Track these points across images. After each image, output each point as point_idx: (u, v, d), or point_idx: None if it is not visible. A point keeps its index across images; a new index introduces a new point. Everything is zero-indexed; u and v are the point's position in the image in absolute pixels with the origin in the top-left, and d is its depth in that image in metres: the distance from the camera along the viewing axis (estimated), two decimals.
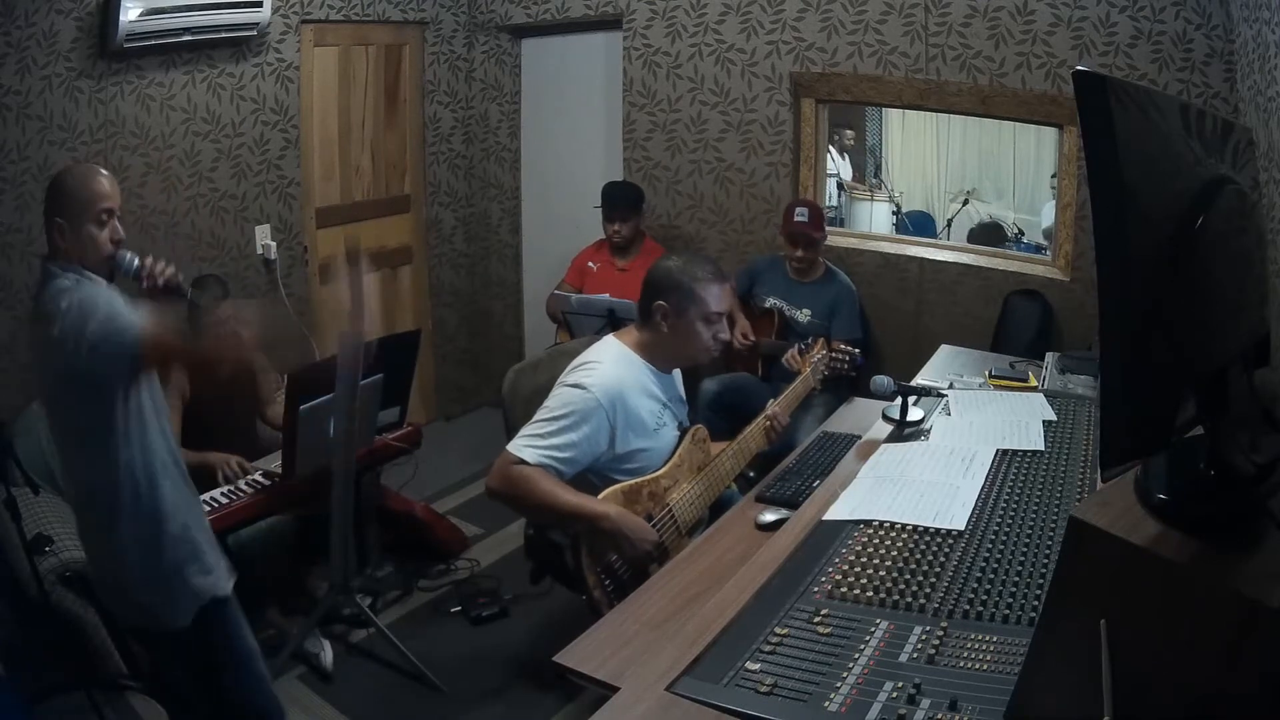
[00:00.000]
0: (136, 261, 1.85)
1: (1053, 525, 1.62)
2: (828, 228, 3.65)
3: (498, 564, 3.36)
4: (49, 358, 1.72)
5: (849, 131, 3.96)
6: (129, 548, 1.78)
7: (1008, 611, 1.35)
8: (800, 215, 3.49)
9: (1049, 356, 2.69)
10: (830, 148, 3.98)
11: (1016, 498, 1.75)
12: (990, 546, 1.55)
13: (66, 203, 1.75)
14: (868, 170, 3.99)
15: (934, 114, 3.67)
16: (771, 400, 2.37)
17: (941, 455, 1.98)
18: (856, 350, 2.55)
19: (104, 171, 1.84)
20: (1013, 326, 3.41)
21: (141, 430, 1.77)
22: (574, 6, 4.27)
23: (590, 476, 2.07)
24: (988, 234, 3.75)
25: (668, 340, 2.16)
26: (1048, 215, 3.59)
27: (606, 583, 1.97)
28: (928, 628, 1.33)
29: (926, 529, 1.63)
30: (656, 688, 1.25)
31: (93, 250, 1.77)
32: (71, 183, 1.79)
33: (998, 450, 1.97)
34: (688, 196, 4.15)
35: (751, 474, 2.38)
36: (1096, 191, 0.82)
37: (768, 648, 1.31)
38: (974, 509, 1.69)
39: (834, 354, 2.54)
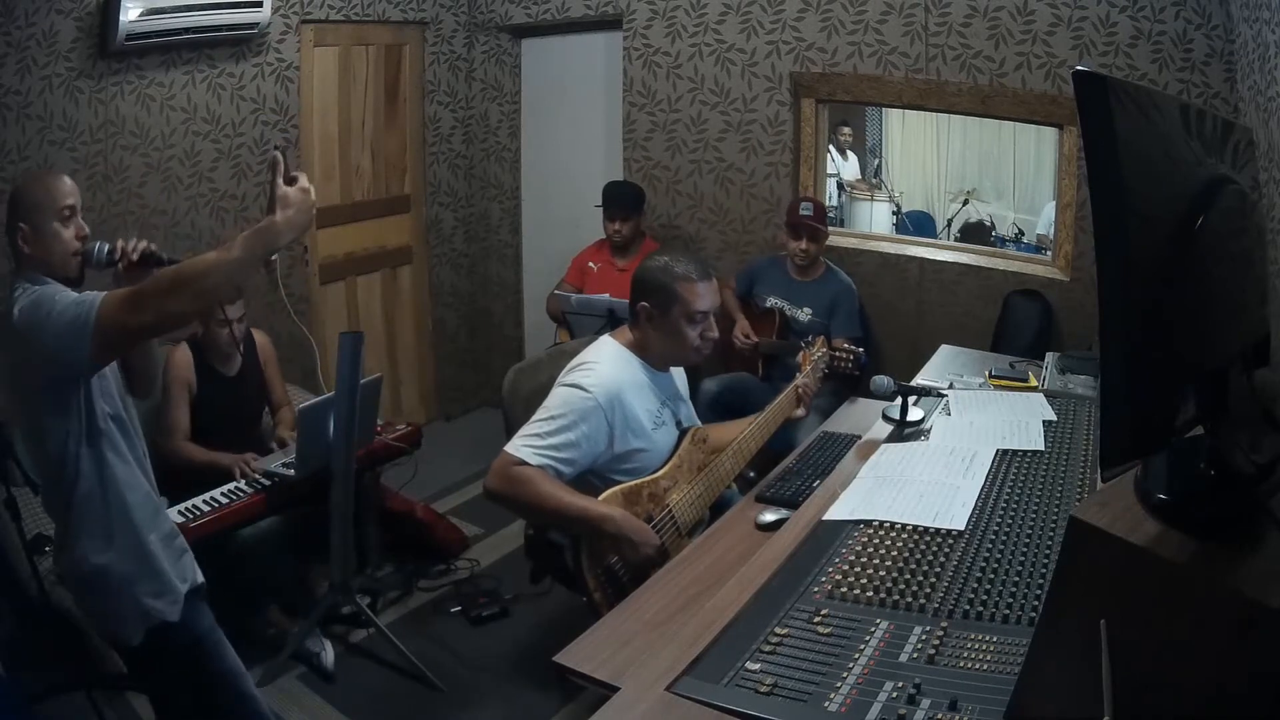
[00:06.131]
0: (107, 247, 1.79)
1: (1053, 525, 1.62)
2: (829, 228, 3.65)
3: (498, 564, 3.36)
4: (10, 369, 1.69)
5: (845, 129, 3.96)
6: (80, 557, 1.73)
7: (1008, 611, 1.35)
8: (805, 209, 3.52)
9: (1049, 356, 2.69)
10: (830, 147, 3.98)
11: (1016, 498, 1.74)
12: (990, 546, 1.55)
13: (27, 206, 1.71)
14: (868, 170, 3.99)
15: (934, 114, 3.67)
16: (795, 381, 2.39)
17: (941, 455, 1.98)
18: (860, 350, 2.55)
19: (61, 173, 1.81)
20: (1013, 326, 3.41)
21: (97, 445, 1.71)
22: (574, 6, 4.27)
23: (590, 477, 2.07)
24: (975, 232, 3.75)
25: (656, 340, 2.16)
26: (1046, 218, 3.59)
27: (606, 584, 1.96)
28: (928, 628, 1.33)
29: (926, 529, 1.63)
30: (656, 688, 1.25)
31: (59, 248, 1.72)
32: (30, 187, 1.76)
33: (998, 450, 1.97)
34: (688, 196, 4.15)
35: (751, 474, 2.38)
36: (1096, 191, 0.82)
37: (768, 648, 1.31)
38: (974, 509, 1.69)
39: (838, 354, 2.54)
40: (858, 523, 1.69)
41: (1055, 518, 1.65)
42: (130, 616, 1.75)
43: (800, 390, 2.35)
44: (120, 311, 1.58)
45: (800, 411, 2.36)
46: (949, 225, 3.82)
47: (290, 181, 1.62)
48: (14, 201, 1.72)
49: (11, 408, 1.77)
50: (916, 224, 3.91)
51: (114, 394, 1.78)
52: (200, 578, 1.90)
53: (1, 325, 1.66)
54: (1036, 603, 1.36)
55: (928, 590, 1.43)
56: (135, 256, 1.80)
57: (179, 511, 2.52)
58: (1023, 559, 1.50)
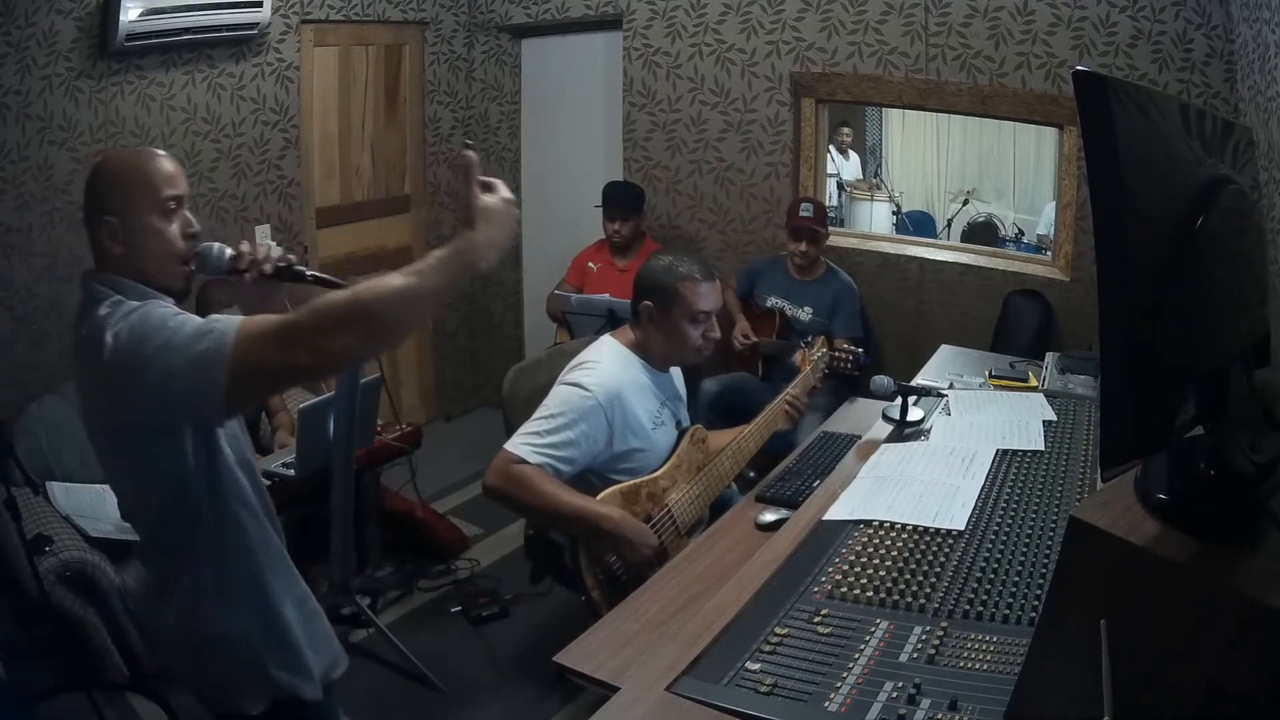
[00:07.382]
0: (228, 251, 1.41)
1: (1053, 525, 1.62)
2: (829, 228, 3.65)
3: (498, 564, 3.36)
4: (98, 408, 1.33)
5: (845, 129, 3.96)
6: (195, 620, 1.41)
7: (1008, 611, 1.35)
8: (805, 211, 3.52)
9: (1049, 356, 2.69)
10: (830, 147, 3.98)
11: (1016, 498, 1.74)
12: (990, 546, 1.55)
13: (118, 193, 1.31)
14: (868, 170, 3.99)
15: (934, 114, 3.67)
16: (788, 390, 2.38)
17: (941, 455, 1.98)
18: (860, 350, 2.55)
19: (160, 153, 1.38)
20: (1013, 326, 3.41)
21: (221, 499, 1.38)
22: (574, 6, 4.27)
23: (590, 477, 2.07)
24: (981, 232, 3.75)
25: (657, 340, 2.16)
26: (1046, 218, 3.59)
27: (605, 584, 1.96)
28: (928, 628, 1.33)
29: (926, 529, 1.63)
30: (656, 688, 1.25)
31: (162, 250, 1.33)
32: (120, 169, 1.34)
33: (998, 450, 1.97)
34: (688, 196, 4.15)
35: (751, 474, 2.38)
36: (1096, 191, 0.82)
37: (768, 648, 1.31)
38: (974, 509, 1.69)
39: (837, 353, 2.54)
40: (858, 523, 1.69)
41: (1055, 518, 1.65)
42: (253, 686, 1.44)
43: (789, 404, 2.33)
44: (265, 347, 1.17)
45: (785, 426, 2.35)
46: (949, 225, 3.82)
47: (486, 190, 1.28)
48: (97, 188, 1.33)
49: (101, 455, 1.37)
50: (916, 224, 3.91)
51: (237, 432, 1.45)
52: (343, 661, 1.59)
53: (87, 357, 1.26)
54: (1036, 603, 1.36)
55: (928, 590, 1.43)
56: (269, 269, 1.42)
57: None
58: (1023, 559, 1.50)
